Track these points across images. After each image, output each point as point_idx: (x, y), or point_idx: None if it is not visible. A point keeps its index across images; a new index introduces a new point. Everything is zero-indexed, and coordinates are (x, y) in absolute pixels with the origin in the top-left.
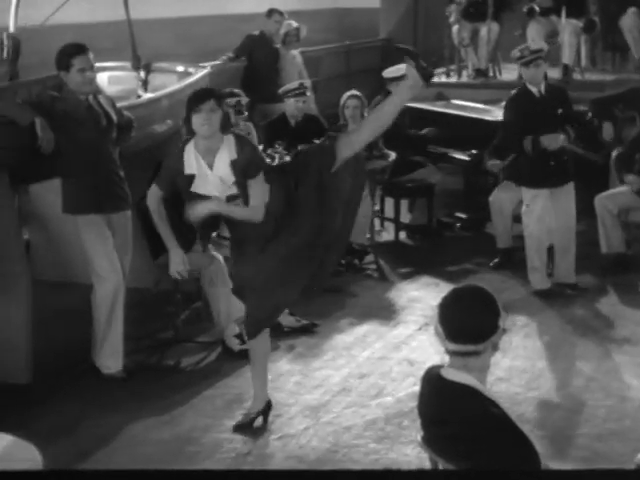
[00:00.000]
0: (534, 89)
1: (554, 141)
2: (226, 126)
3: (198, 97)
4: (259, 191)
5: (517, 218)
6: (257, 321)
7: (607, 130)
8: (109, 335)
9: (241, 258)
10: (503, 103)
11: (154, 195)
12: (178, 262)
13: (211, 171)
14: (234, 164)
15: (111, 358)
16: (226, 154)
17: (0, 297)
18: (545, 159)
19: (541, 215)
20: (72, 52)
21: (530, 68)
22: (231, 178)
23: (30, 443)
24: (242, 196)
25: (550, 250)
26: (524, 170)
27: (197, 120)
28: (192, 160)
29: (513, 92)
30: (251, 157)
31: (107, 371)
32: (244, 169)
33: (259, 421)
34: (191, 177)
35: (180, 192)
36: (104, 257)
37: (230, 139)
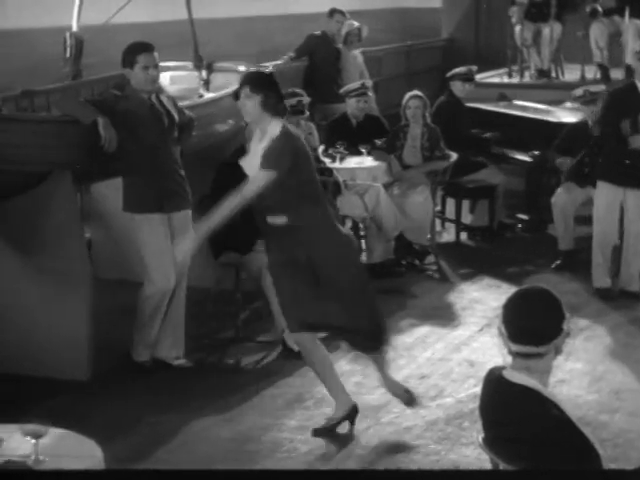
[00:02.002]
0: None
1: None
2: (272, 111)
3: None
4: (256, 181)
5: (579, 220)
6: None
7: None
8: (145, 331)
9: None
10: (566, 104)
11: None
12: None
13: (249, 155)
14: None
15: (142, 351)
16: (262, 141)
17: (62, 295)
18: (623, 155)
19: (609, 211)
20: (137, 49)
21: None
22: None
23: (91, 440)
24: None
25: (618, 252)
26: (600, 162)
27: (241, 105)
28: (250, 146)
29: (616, 87)
30: (271, 149)
31: (138, 358)
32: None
33: (345, 427)
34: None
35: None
36: (158, 260)
37: (276, 129)
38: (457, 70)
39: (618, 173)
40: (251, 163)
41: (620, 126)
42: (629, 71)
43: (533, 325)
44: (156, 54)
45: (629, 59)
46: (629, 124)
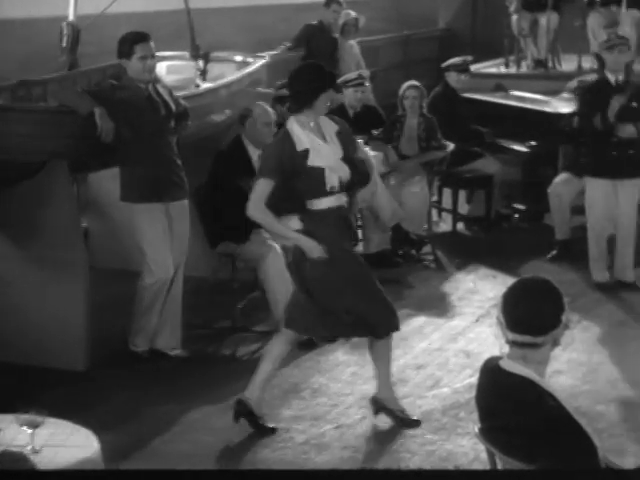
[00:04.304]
0: (612, 77)
1: (626, 131)
2: None
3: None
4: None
5: (576, 210)
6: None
7: None
8: (143, 320)
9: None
10: (563, 94)
11: (262, 196)
12: (313, 246)
13: (325, 142)
14: (339, 136)
15: (142, 339)
16: (330, 126)
17: (59, 284)
18: (610, 148)
19: (601, 205)
20: (134, 39)
21: (614, 53)
22: (340, 151)
23: (88, 430)
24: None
25: (612, 243)
26: (588, 158)
27: (325, 100)
28: (302, 137)
29: (588, 81)
30: (350, 133)
31: (136, 348)
32: (347, 145)
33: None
34: (305, 152)
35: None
36: (156, 250)
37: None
38: (452, 61)
39: (605, 167)
40: (328, 151)
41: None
42: (601, 63)
43: (532, 315)
44: (152, 44)
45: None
46: (599, 117)
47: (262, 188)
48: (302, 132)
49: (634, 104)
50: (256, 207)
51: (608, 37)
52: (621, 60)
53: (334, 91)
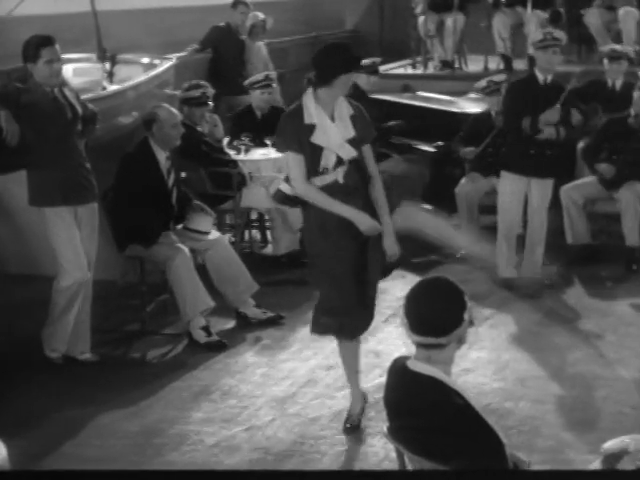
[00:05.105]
0: (541, 76)
1: (553, 115)
2: None
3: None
4: (373, 158)
5: (483, 209)
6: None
7: (575, 116)
8: (61, 320)
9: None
10: (470, 94)
11: (300, 172)
12: (365, 221)
13: (332, 122)
14: (354, 120)
15: (57, 340)
16: (345, 108)
17: None
18: (527, 146)
19: (513, 200)
20: (40, 43)
21: (548, 52)
22: (351, 132)
23: None
24: (357, 157)
25: (521, 240)
26: (506, 153)
27: (345, 81)
28: (312, 110)
29: (517, 78)
30: (367, 119)
31: (50, 354)
32: (362, 129)
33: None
34: (312, 127)
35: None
36: (70, 251)
37: (341, 97)
38: (361, 62)
39: (522, 163)
40: (334, 131)
41: (522, 121)
42: (532, 61)
43: (433, 316)
44: (58, 47)
45: (531, 49)
46: (529, 122)
47: (295, 164)
48: (314, 107)
49: (557, 106)
50: (303, 185)
51: (543, 37)
52: (554, 61)
53: (356, 72)
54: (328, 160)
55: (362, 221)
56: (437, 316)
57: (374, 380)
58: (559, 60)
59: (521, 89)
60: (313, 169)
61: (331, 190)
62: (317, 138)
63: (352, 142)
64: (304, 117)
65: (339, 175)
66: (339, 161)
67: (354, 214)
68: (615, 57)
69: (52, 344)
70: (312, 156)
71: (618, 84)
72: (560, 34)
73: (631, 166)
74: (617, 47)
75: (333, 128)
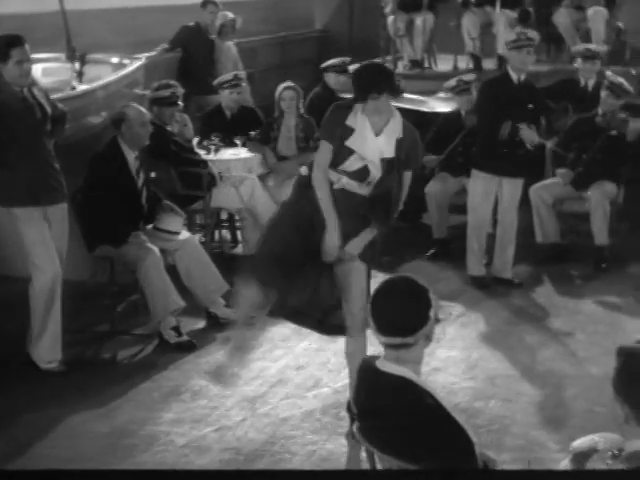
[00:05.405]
0: (515, 76)
1: (531, 137)
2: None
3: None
4: (407, 186)
5: (453, 209)
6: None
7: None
8: (48, 326)
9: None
10: (439, 94)
11: (324, 159)
12: (332, 246)
13: (375, 136)
14: (399, 143)
15: (50, 350)
16: (395, 129)
17: None
18: (499, 146)
19: (484, 199)
20: (9, 43)
21: (522, 52)
22: (390, 153)
23: None
24: (386, 176)
25: (492, 240)
26: (475, 152)
27: (375, 105)
28: (357, 117)
29: (491, 77)
30: (416, 147)
31: (45, 365)
32: (406, 154)
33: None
34: (350, 130)
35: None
36: (42, 248)
37: (398, 117)
38: (331, 62)
39: (493, 162)
40: (373, 145)
41: (501, 125)
42: (501, 61)
43: (397, 316)
44: (28, 47)
45: (501, 49)
46: (509, 127)
47: (323, 150)
48: (361, 115)
49: (530, 106)
50: (317, 171)
51: (517, 37)
52: (528, 61)
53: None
54: (352, 166)
55: (330, 239)
56: (403, 316)
57: (345, 380)
58: (532, 60)
59: (495, 88)
60: (335, 165)
61: (347, 195)
62: (353, 143)
63: (388, 162)
64: (349, 117)
65: (363, 188)
66: (362, 173)
67: (331, 227)
68: (589, 56)
69: (45, 356)
70: (338, 155)
71: (591, 84)
72: (534, 34)
73: (600, 165)
74: (591, 46)
75: (374, 141)
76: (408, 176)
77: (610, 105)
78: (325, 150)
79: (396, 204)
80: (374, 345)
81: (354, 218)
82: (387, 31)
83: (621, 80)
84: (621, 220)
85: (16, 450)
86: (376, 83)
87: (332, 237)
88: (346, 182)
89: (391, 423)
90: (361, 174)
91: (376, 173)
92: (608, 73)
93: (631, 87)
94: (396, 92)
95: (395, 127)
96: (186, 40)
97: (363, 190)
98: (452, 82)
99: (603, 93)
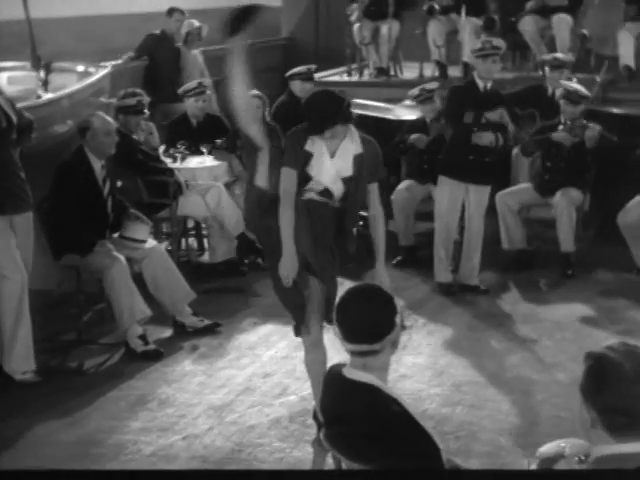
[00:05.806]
0: (481, 83)
1: (486, 139)
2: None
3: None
4: (378, 198)
5: (419, 216)
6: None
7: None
8: (18, 337)
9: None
10: (405, 101)
11: (289, 186)
12: (286, 270)
13: (330, 158)
14: (357, 159)
15: (24, 361)
16: (351, 146)
17: None
18: (466, 152)
19: (451, 206)
20: None
21: (487, 61)
22: (348, 171)
23: None
24: (351, 193)
25: (459, 247)
26: (443, 159)
27: (337, 131)
28: (315, 142)
29: (458, 83)
30: (377, 159)
31: (20, 377)
32: (367, 169)
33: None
34: (310, 155)
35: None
36: (8, 258)
37: (354, 134)
38: (296, 70)
39: (460, 169)
40: (329, 168)
41: (464, 123)
42: (467, 68)
43: (364, 323)
44: None
45: (466, 56)
46: (472, 116)
47: (288, 177)
48: (318, 140)
49: (499, 110)
50: (285, 197)
51: (482, 45)
52: (493, 69)
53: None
54: (315, 187)
55: (284, 266)
56: (369, 323)
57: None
58: (498, 69)
59: (462, 94)
60: (300, 185)
61: (317, 204)
62: (311, 169)
63: (348, 180)
64: (307, 142)
65: (332, 202)
66: (326, 193)
67: (287, 253)
68: (556, 66)
69: (19, 367)
70: (302, 179)
71: (558, 92)
72: (499, 42)
73: (564, 173)
74: (559, 56)
75: (328, 163)
76: (375, 188)
77: (570, 113)
78: (290, 177)
79: (380, 221)
80: (341, 353)
81: (322, 250)
82: (353, 39)
83: (576, 87)
84: (587, 227)
85: None
86: (330, 116)
87: (287, 264)
88: (315, 196)
89: (358, 430)
90: (326, 193)
91: (338, 192)
92: (563, 82)
93: (589, 92)
94: (349, 119)
95: (350, 144)
96: (152, 48)
97: (333, 203)
98: (415, 91)
99: (562, 102)
